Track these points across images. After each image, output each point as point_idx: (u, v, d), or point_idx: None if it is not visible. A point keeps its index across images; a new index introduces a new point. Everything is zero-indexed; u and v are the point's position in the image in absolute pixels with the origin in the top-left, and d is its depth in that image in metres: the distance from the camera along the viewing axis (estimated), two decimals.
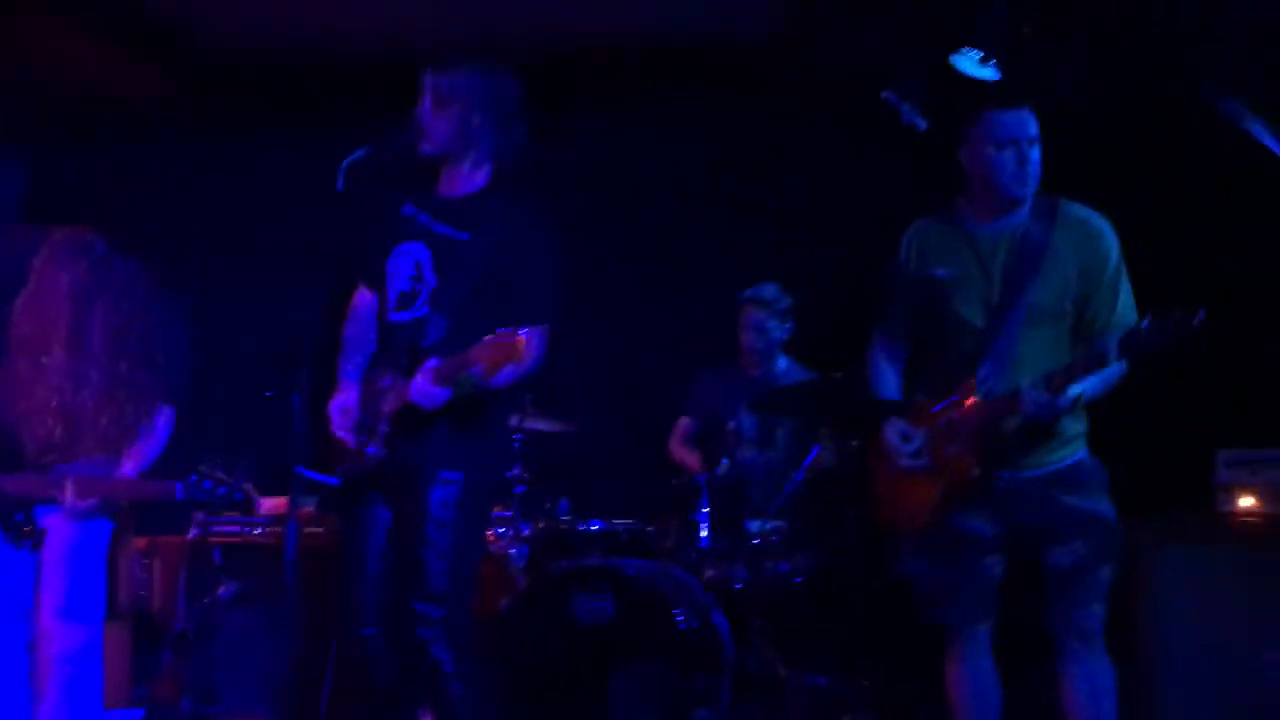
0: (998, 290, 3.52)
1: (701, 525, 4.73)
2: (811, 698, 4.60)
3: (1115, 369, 3.45)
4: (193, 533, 5.54)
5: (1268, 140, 2.95)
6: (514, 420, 4.94)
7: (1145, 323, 3.19)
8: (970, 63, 4.86)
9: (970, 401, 3.50)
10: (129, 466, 3.85)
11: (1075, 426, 3.57)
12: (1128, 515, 4.12)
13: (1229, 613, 4.07)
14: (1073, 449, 3.56)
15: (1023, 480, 3.53)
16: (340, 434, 3.57)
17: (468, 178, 3.67)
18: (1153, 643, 4.16)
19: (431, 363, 3.40)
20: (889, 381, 3.80)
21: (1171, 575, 4.17)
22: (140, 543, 5.62)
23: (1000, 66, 4.74)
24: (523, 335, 3.21)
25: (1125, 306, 3.52)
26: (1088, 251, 3.51)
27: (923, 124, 5.09)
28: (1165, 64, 4.10)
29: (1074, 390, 3.36)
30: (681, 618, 4.44)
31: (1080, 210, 3.58)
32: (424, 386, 3.39)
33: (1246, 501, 4.26)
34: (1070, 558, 3.49)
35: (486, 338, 3.25)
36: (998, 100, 3.53)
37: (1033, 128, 3.49)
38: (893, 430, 3.63)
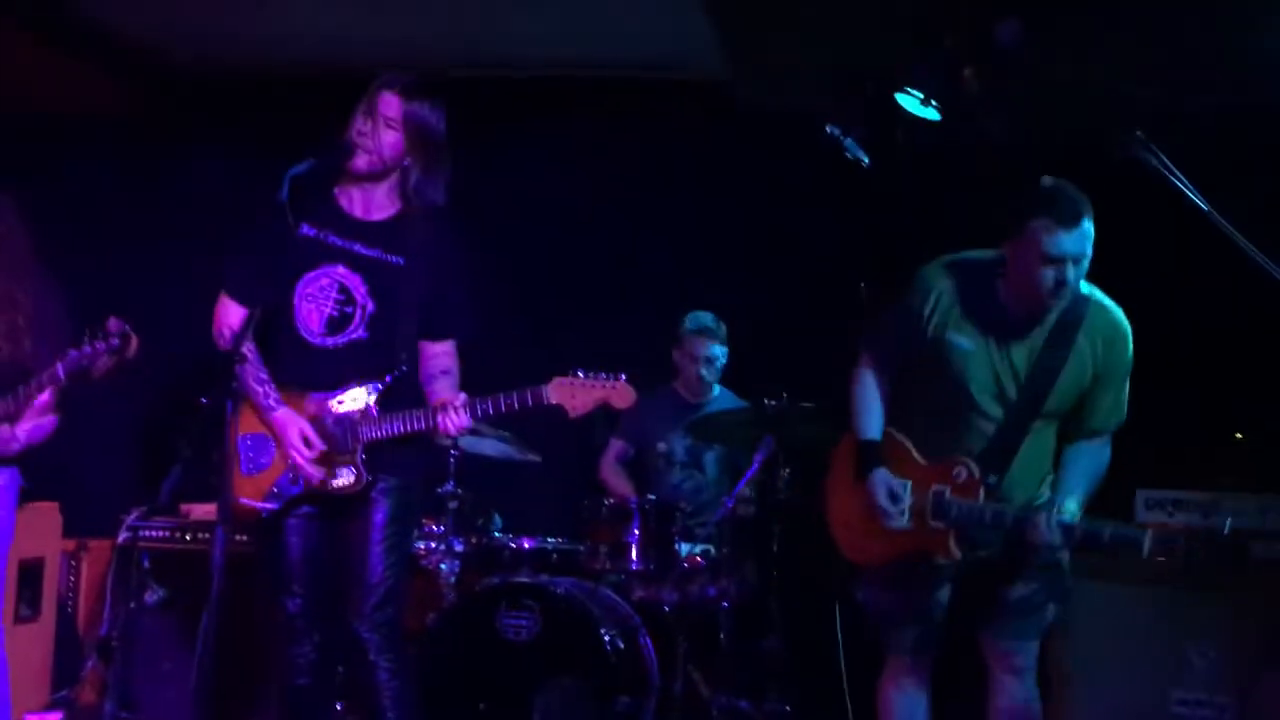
0: (1019, 386, 3.46)
1: (632, 547, 4.75)
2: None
3: (1103, 459, 3.54)
4: (122, 536, 5.50)
5: (1189, 192, 3.03)
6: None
7: (1180, 539, 3.23)
8: (913, 103, 4.96)
9: (973, 492, 3.43)
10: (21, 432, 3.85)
11: (1045, 475, 3.56)
12: None
13: (1143, 650, 4.14)
14: (1041, 493, 3.54)
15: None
16: (303, 465, 3.54)
17: (382, 202, 3.67)
18: (1069, 677, 4.21)
19: (461, 398, 3.49)
20: (875, 419, 3.66)
21: (1088, 612, 4.23)
22: (68, 545, 5.59)
23: (940, 109, 4.83)
24: (625, 379, 3.43)
25: (1122, 406, 3.53)
26: (1109, 357, 3.46)
27: (866, 158, 5.17)
28: (1093, 114, 4.21)
29: (1077, 522, 3.34)
30: (608, 638, 4.47)
31: (1109, 311, 3.49)
32: (459, 420, 3.47)
33: None
34: (1023, 594, 3.51)
35: (571, 379, 3.41)
36: (1060, 212, 3.26)
37: (1084, 244, 3.28)
38: (881, 485, 3.51)
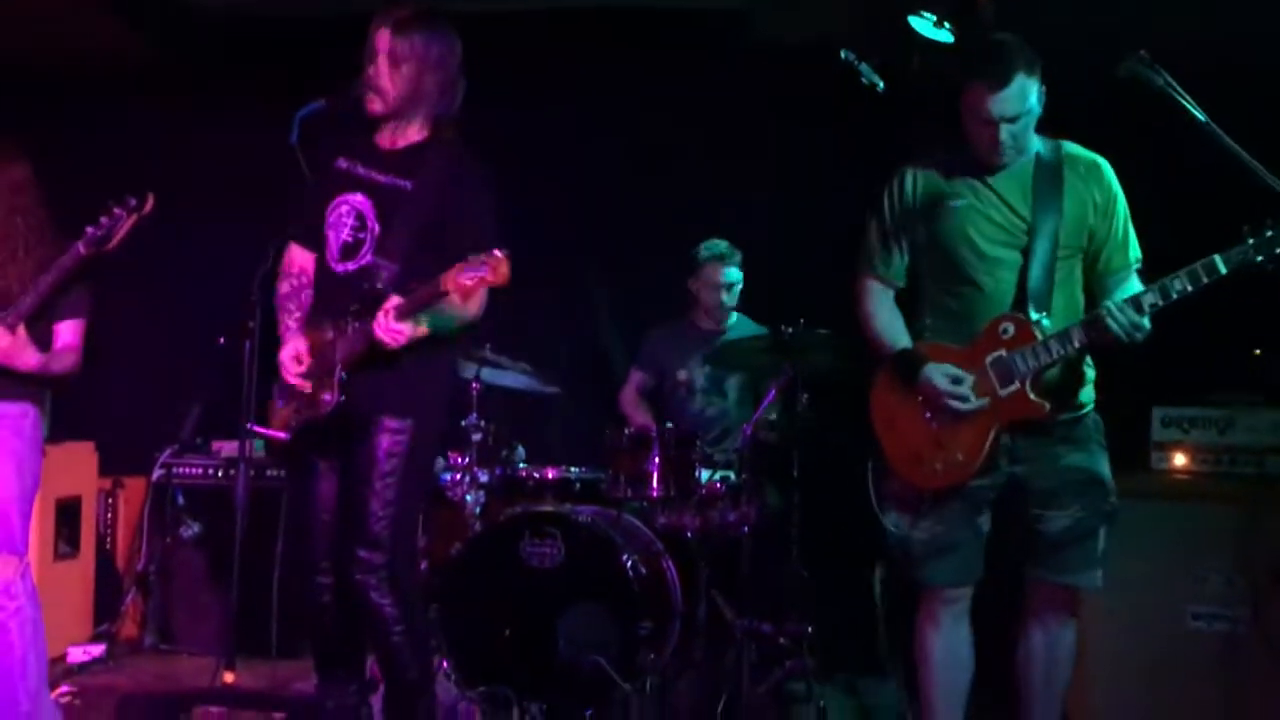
0: (1027, 224, 3.42)
1: (653, 474, 4.81)
2: (756, 643, 4.71)
3: (1136, 281, 3.45)
4: (156, 474, 5.63)
5: (1193, 109, 3.03)
6: (470, 371, 5.03)
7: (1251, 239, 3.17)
8: (926, 25, 4.92)
9: (1029, 336, 3.35)
10: (31, 356, 3.86)
11: (1083, 382, 3.49)
12: None
13: (1158, 565, 4.18)
14: (1079, 400, 3.48)
15: (1032, 428, 3.42)
16: (293, 381, 3.60)
17: (409, 133, 3.71)
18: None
19: (393, 300, 3.44)
20: (897, 328, 3.59)
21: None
22: (104, 483, 5.72)
23: (954, 31, 4.79)
24: (500, 254, 3.25)
25: (1134, 246, 3.51)
26: (1099, 187, 3.48)
27: (881, 84, 5.14)
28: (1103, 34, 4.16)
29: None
30: (631, 564, 4.55)
31: (1082, 150, 3.53)
32: (388, 324, 3.42)
33: (1180, 460, 4.36)
34: (1066, 521, 3.42)
35: (459, 264, 3.28)
36: (986, 74, 3.34)
37: (1013, 106, 3.33)
38: (939, 374, 3.42)
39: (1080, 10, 4.80)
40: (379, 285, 3.54)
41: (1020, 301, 3.40)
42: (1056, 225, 3.41)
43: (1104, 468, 3.50)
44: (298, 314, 3.72)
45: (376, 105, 3.63)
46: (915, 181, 3.56)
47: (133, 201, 3.72)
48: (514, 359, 5.04)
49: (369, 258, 3.62)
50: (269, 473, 5.28)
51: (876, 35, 5.10)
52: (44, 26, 5.84)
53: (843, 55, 5.10)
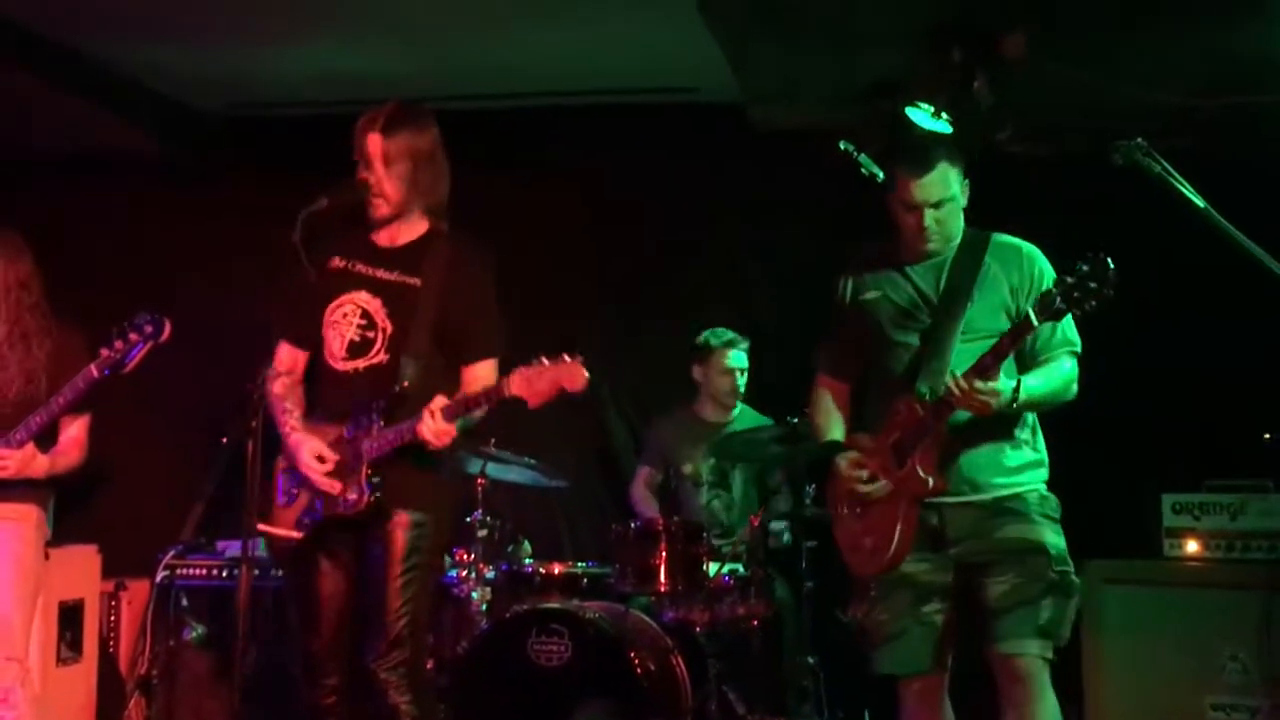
0: (932, 310, 3.54)
1: (660, 568, 4.77)
2: None
3: (1062, 369, 3.50)
4: (159, 575, 5.58)
5: (1192, 196, 3.03)
6: (476, 466, 5.01)
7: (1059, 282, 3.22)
8: (924, 116, 4.97)
9: (914, 415, 3.44)
10: (40, 467, 3.87)
11: (1020, 457, 3.52)
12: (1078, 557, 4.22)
13: (1175, 655, 4.13)
14: (1018, 480, 3.50)
15: (962, 508, 3.46)
16: (320, 482, 3.57)
17: (410, 227, 3.73)
18: (1101, 683, 4.20)
19: (439, 401, 3.46)
20: (830, 422, 3.76)
21: (1119, 617, 4.22)
22: (106, 585, 5.67)
23: (951, 121, 4.84)
24: (579, 359, 3.33)
25: (1067, 330, 3.54)
26: (1018, 271, 3.55)
27: (881, 173, 5.17)
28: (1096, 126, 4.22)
29: (1015, 385, 3.34)
30: (639, 660, 4.49)
31: (1011, 239, 3.64)
32: (437, 425, 3.44)
33: (1192, 546, 4.32)
34: (1004, 588, 3.39)
35: (526, 369, 3.35)
36: (910, 163, 3.54)
37: (936, 191, 3.50)
38: (845, 463, 3.59)
39: (1079, 97, 4.86)
40: (406, 384, 3.56)
41: (914, 382, 3.48)
42: (964, 309, 3.51)
43: (1048, 538, 3.46)
44: (297, 413, 3.69)
45: (384, 209, 3.64)
46: (847, 283, 3.73)
47: (149, 329, 3.71)
48: (519, 453, 5.02)
49: (383, 356, 3.62)
50: (273, 572, 5.23)
51: (871, 126, 5.15)
52: (51, 123, 5.95)
53: (841, 146, 5.14)
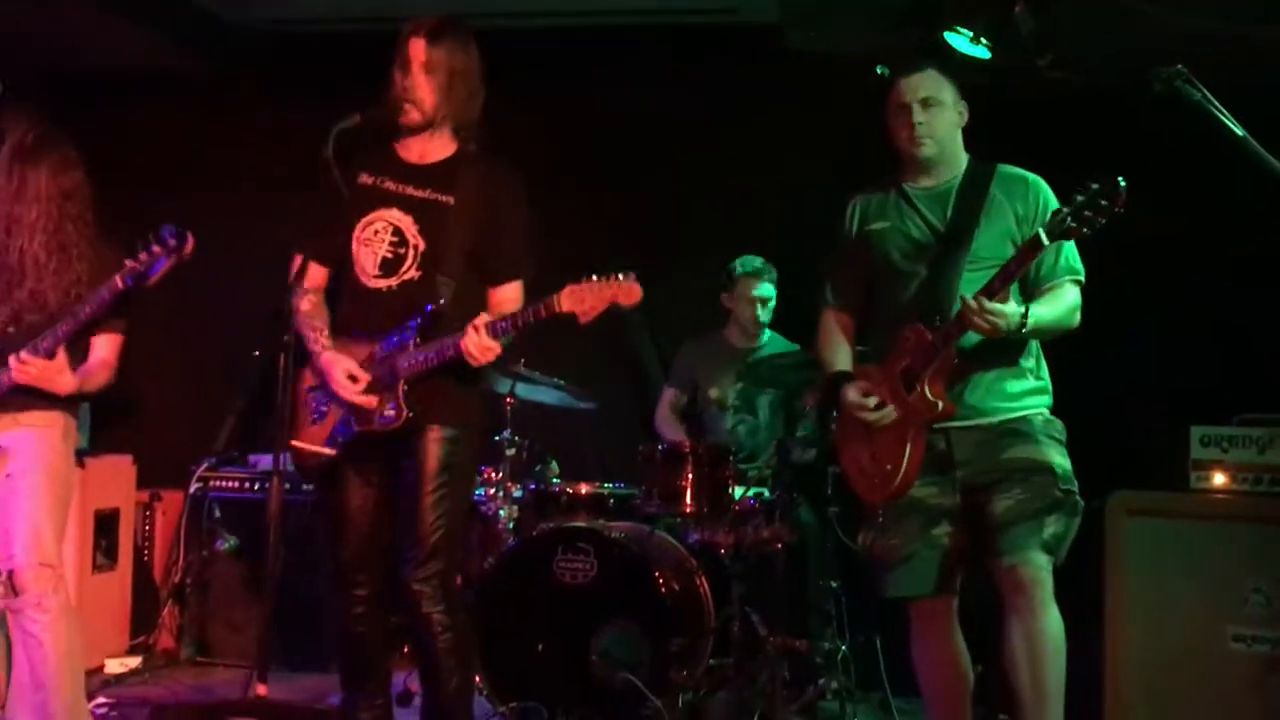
0: (940, 239, 3.56)
1: (686, 490, 4.80)
2: (789, 660, 4.69)
3: (1067, 297, 3.51)
4: (193, 487, 5.67)
5: (1230, 124, 2.99)
6: (505, 386, 5.04)
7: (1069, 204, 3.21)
8: (963, 41, 4.91)
9: (925, 343, 3.46)
10: (67, 382, 3.85)
11: (1024, 384, 3.55)
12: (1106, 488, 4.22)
13: (1198, 586, 4.12)
14: (1022, 404, 3.54)
15: (968, 431, 3.50)
16: (354, 398, 3.58)
17: (438, 147, 3.72)
18: (1123, 613, 4.21)
19: (484, 317, 3.48)
20: (837, 354, 3.78)
21: (1142, 548, 4.22)
22: (141, 496, 5.77)
23: (990, 46, 4.77)
24: (633, 276, 3.38)
25: (1070, 258, 3.55)
26: (1023, 201, 3.57)
27: None
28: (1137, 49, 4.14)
29: (1024, 309, 3.34)
30: (663, 580, 4.53)
31: (1015, 169, 3.65)
32: (482, 341, 3.45)
33: (1219, 479, 4.30)
34: (1008, 503, 3.43)
35: (576, 285, 3.38)
36: (903, 67, 3.63)
37: (925, 89, 3.57)
38: (852, 391, 3.61)
39: (1120, 24, 4.77)
40: (442, 301, 3.58)
41: (922, 311, 3.50)
42: (971, 237, 3.52)
43: (1054, 458, 3.50)
44: (326, 331, 3.71)
45: (415, 116, 3.63)
46: (854, 213, 3.77)
47: (172, 242, 3.71)
48: (548, 374, 5.04)
49: (415, 273, 3.63)
50: (305, 486, 5.30)
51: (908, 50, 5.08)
52: (97, 42, 5.98)
53: (878, 70, 5.09)
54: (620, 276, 3.39)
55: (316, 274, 3.79)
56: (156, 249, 3.72)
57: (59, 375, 3.80)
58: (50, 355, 3.77)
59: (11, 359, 3.77)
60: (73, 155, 3.97)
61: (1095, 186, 3.16)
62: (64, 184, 3.90)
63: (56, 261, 3.84)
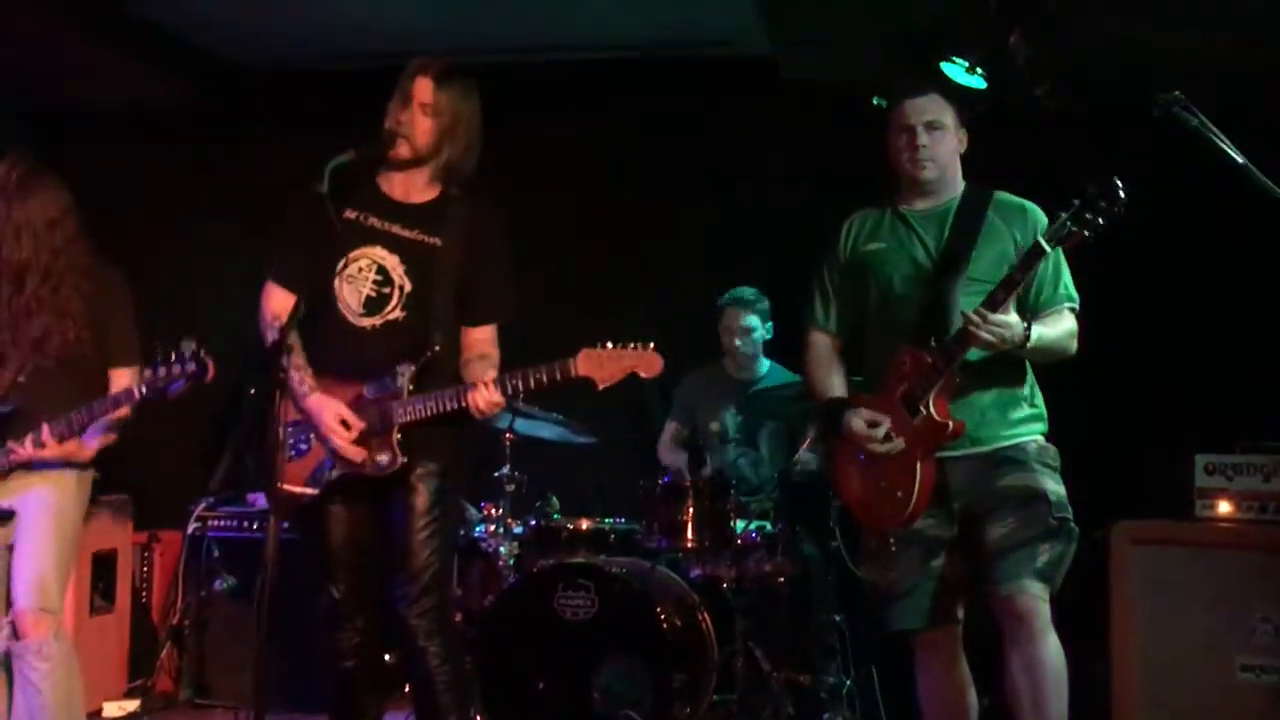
0: (934, 262, 3.55)
1: (687, 525, 4.76)
2: (793, 695, 4.64)
3: (1065, 323, 3.50)
4: (191, 527, 5.63)
5: (1229, 150, 2.97)
6: (504, 421, 5.01)
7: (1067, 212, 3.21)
8: (959, 71, 4.90)
9: (925, 364, 3.42)
10: (89, 449, 3.90)
11: (1019, 412, 3.53)
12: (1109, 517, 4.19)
13: (1206, 616, 4.09)
14: (1017, 432, 3.51)
15: (962, 460, 3.47)
16: (344, 448, 3.54)
17: (422, 186, 3.70)
18: (1130, 643, 4.17)
19: (490, 374, 3.49)
20: (831, 379, 3.72)
21: (1150, 577, 4.19)
22: (139, 537, 5.73)
23: (986, 75, 4.77)
24: (652, 348, 3.38)
25: (1067, 285, 3.55)
26: (1022, 229, 3.55)
27: None
28: (1134, 77, 4.13)
29: (1027, 322, 3.34)
30: (665, 616, 4.49)
31: (1013, 197, 3.65)
32: (490, 396, 3.45)
33: (1224, 508, 4.28)
34: (1002, 531, 3.40)
35: (597, 350, 3.37)
36: (905, 88, 3.64)
37: (929, 112, 3.58)
38: (856, 420, 3.52)
39: (1117, 53, 4.77)
40: (436, 348, 3.56)
41: (920, 333, 3.48)
42: (968, 259, 3.52)
43: (1048, 485, 3.47)
44: (310, 370, 3.63)
45: (405, 151, 3.61)
46: (848, 232, 3.75)
47: (193, 367, 3.72)
48: (546, 409, 5.02)
49: (399, 313, 3.61)
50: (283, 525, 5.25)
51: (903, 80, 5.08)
52: (94, 76, 6.03)
53: (875, 102, 5.08)
54: (638, 346, 3.39)
55: (281, 299, 3.69)
56: (177, 370, 3.71)
57: (79, 451, 3.87)
58: (61, 442, 3.80)
59: (29, 441, 3.78)
60: (54, 183, 3.97)
61: (1092, 189, 3.17)
62: (47, 213, 3.90)
63: (47, 291, 3.84)
